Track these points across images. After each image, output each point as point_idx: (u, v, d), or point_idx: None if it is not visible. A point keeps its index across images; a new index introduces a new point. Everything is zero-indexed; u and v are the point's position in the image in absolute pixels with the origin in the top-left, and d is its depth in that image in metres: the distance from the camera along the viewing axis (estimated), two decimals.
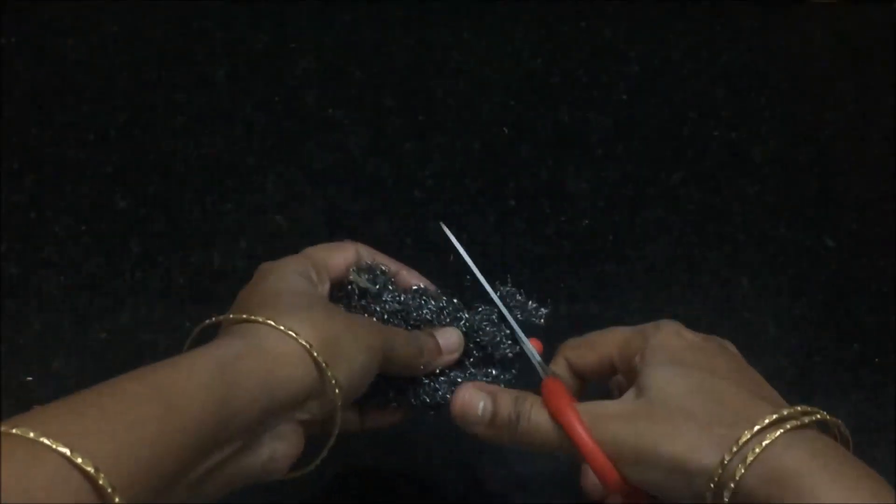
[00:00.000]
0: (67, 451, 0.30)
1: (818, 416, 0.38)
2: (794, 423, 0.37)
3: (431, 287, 0.52)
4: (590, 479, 0.45)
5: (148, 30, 0.85)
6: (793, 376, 0.66)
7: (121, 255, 0.70)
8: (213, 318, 0.42)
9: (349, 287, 0.49)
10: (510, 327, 0.50)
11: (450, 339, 0.49)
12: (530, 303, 0.51)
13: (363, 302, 0.49)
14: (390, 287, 0.50)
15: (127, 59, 0.83)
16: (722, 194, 0.76)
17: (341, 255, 0.49)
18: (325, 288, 0.48)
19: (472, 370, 0.50)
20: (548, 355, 0.49)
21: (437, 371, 0.49)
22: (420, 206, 0.74)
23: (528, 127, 0.80)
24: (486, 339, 0.50)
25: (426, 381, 0.49)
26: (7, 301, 0.66)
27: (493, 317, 0.50)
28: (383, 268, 0.50)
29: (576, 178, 0.76)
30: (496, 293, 0.50)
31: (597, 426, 0.40)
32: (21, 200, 0.72)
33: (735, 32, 0.88)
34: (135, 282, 0.68)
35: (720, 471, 0.36)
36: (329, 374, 0.40)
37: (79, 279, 0.68)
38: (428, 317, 0.50)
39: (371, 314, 0.49)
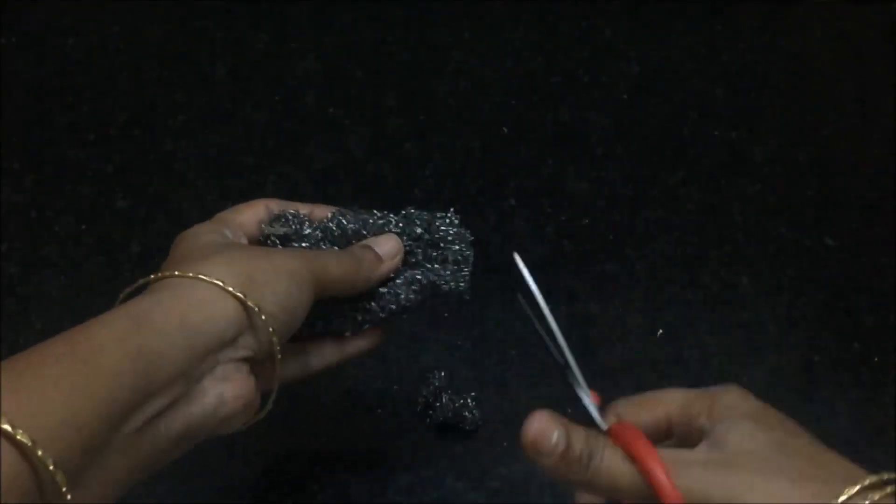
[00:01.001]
0: None
1: None
2: (894, 487, 0.36)
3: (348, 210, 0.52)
4: None
5: (148, 30, 0.85)
6: (793, 376, 0.66)
7: (121, 255, 0.70)
8: (129, 288, 0.43)
9: (268, 242, 0.49)
10: (572, 375, 0.45)
11: (386, 244, 0.49)
12: None
13: (286, 248, 0.49)
14: (305, 224, 0.49)
15: (127, 59, 0.83)
16: (722, 194, 0.76)
17: (250, 212, 0.49)
18: (243, 242, 0.48)
19: (427, 265, 0.50)
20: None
21: (391, 277, 0.49)
22: (420, 206, 0.73)
23: (528, 127, 0.80)
24: (438, 236, 0.50)
25: (383, 290, 0.49)
26: (7, 301, 0.66)
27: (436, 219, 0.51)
28: (292, 211, 0.49)
29: (576, 178, 0.76)
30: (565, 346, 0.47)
31: (678, 472, 0.38)
32: (21, 200, 0.72)
33: (735, 32, 0.88)
34: (134, 282, 0.68)
35: None
36: (250, 303, 0.40)
37: (79, 279, 0.68)
38: (354, 228, 0.49)
39: None
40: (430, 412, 0.60)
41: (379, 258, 0.49)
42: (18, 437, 0.30)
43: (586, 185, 0.76)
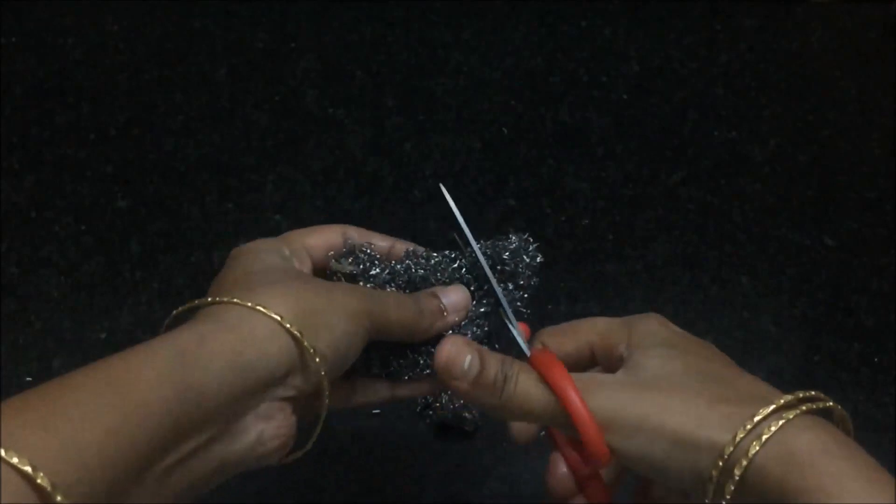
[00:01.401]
0: (1, 452, 0.29)
1: (829, 403, 0.37)
2: (811, 405, 0.36)
3: (422, 249, 0.49)
4: (557, 473, 0.43)
5: (148, 30, 0.85)
6: (793, 376, 0.66)
7: (121, 255, 0.70)
8: (179, 309, 0.41)
9: (333, 278, 0.47)
10: (502, 307, 0.47)
11: (453, 297, 0.46)
12: (524, 256, 0.48)
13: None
14: (375, 262, 0.47)
15: (127, 59, 0.83)
16: (722, 194, 0.76)
17: (321, 237, 0.47)
18: (306, 267, 0.45)
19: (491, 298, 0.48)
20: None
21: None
22: (420, 205, 0.74)
23: (528, 127, 0.80)
24: (507, 268, 0.48)
25: (458, 331, 0.47)
26: (7, 301, 0.66)
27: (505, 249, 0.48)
28: (364, 247, 0.47)
29: (576, 178, 0.76)
30: (488, 263, 0.47)
31: (592, 394, 0.38)
32: (21, 200, 0.72)
33: (735, 32, 0.88)
34: (135, 282, 0.68)
35: (731, 448, 0.35)
36: (306, 344, 0.38)
37: (79, 279, 0.68)
38: (423, 275, 0.47)
39: None
40: (430, 412, 0.60)
41: (442, 311, 0.46)
42: (38, 481, 0.29)
43: (586, 185, 0.76)
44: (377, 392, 0.47)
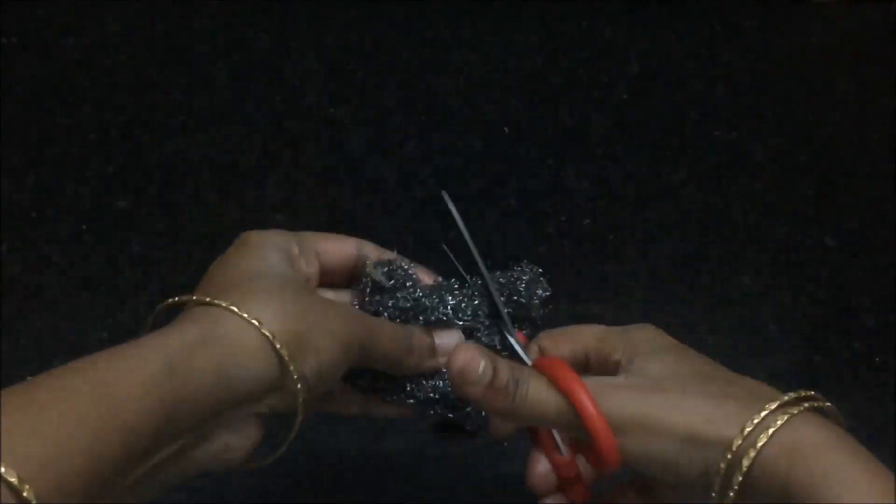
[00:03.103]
0: None
1: (827, 404, 0.39)
2: (813, 403, 0.38)
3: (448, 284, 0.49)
4: (538, 471, 0.45)
5: (148, 30, 0.85)
6: (793, 376, 0.66)
7: (121, 255, 0.70)
8: (176, 298, 0.40)
9: (363, 281, 0.47)
10: (499, 314, 0.47)
11: (447, 342, 0.47)
12: (537, 289, 0.49)
13: (377, 297, 0.47)
14: (408, 284, 0.47)
15: (127, 59, 0.82)
16: (723, 194, 0.75)
17: (336, 243, 0.46)
18: (312, 271, 0.45)
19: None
20: None
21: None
22: (421, 205, 0.74)
23: (529, 127, 0.80)
24: (515, 300, 0.48)
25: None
26: (7, 301, 0.66)
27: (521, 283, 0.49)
28: (403, 265, 0.47)
29: (576, 178, 0.76)
30: (491, 278, 0.48)
31: (602, 395, 0.39)
32: (21, 200, 0.72)
33: (735, 32, 0.87)
34: (135, 282, 0.68)
35: (740, 440, 0.36)
36: (292, 368, 0.38)
37: (79, 279, 0.68)
38: (444, 318, 0.47)
39: (384, 309, 0.47)
40: (431, 412, 0.60)
41: (433, 352, 0.47)
42: (24, 494, 0.28)
43: (587, 185, 0.76)
44: (350, 405, 0.47)
